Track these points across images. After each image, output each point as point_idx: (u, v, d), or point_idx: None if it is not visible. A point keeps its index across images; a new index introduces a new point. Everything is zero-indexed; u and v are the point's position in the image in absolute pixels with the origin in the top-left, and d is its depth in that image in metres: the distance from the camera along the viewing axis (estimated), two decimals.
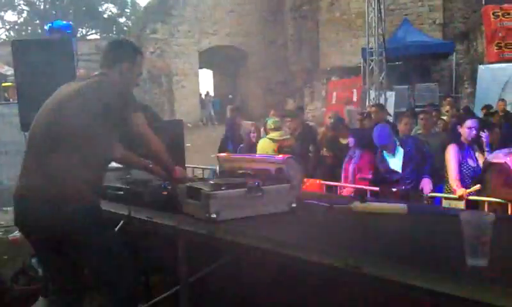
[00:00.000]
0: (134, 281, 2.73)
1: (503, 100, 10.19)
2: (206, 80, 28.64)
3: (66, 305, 2.71)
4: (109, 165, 2.84)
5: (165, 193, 2.99)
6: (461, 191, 4.39)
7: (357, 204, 2.82)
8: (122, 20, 34.92)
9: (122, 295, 2.64)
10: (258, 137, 6.47)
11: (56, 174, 2.48)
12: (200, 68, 24.89)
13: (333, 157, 6.40)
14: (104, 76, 2.77)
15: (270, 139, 6.34)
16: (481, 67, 12.91)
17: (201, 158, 7.84)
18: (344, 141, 6.43)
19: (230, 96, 25.90)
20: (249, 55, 24.82)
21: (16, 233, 6.92)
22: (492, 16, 13.83)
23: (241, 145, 6.64)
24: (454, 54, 16.53)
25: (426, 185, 4.85)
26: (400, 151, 5.20)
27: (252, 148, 6.40)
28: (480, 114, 9.71)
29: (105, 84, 2.69)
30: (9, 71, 15.95)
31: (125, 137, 2.81)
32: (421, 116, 6.80)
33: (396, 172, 5.12)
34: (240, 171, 3.15)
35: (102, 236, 2.57)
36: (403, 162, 5.11)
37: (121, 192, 3.21)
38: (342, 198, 3.24)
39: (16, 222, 2.64)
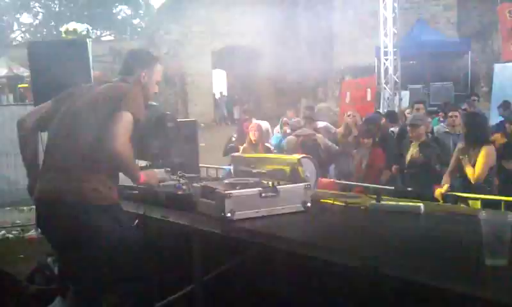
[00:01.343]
0: (152, 278, 2.75)
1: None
2: (219, 81, 28.70)
3: (87, 305, 2.74)
4: None
5: (180, 192, 2.99)
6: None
7: (373, 203, 2.80)
8: (136, 21, 35.10)
9: (141, 292, 2.66)
10: (260, 138, 6.42)
11: (74, 176, 2.54)
12: (213, 68, 24.93)
13: None
14: (122, 81, 2.81)
15: (296, 135, 6.43)
16: (497, 66, 12.73)
17: (215, 158, 7.84)
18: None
19: (236, 96, 25.90)
20: (262, 55, 24.79)
21: (33, 232, 7.00)
22: (508, 14, 13.64)
23: (244, 145, 6.54)
24: (470, 52, 16.34)
25: None
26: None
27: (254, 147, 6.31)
28: (497, 113, 9.62)
29: (118, 87, 2.72)
30: (25, 72, 16.15)
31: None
32: (450, 113, 6.67)
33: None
34: (255, 171, 3.14)
35: (121, 234, 2.60)
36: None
37: (136, 192, 3.22)
38: (358, 197, 3.22)
39: (38, 224, 2.71)
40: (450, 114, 6.69)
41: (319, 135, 6.43)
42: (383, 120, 7.64)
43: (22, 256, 6.13)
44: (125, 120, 2.53)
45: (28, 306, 3.88)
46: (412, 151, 5.48)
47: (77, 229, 2.52)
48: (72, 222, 2.51)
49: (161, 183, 3.11)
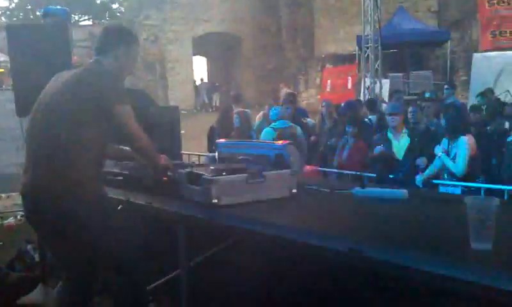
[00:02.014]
0: (144, 265, 2.74)
1: None
2: (200, 67, 28.52)
3: (77, 294, 2.72)
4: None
5: (165, 178, 2.97)
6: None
7: (358, 190, 2.83)
8: (115, 6, 34.55)
9: (134, 280, 2.65)
10: (246, 125, 6.38)
11: (58, 168, 2.50)
12: (194, 54, 24.75)
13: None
14: (97, 64, 2.73)
15: (272, 128, 6.32)
16: (476, 55, 12.87)
17: (196, 145, 7.82)
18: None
19: (217, 84, 25.79)
20: (243, 42, 24.70)
21: (11, 219, 6.91)
22: (487, 4, 13.80)
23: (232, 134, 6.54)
24: (449, 41, 16.51)
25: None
26: (406, 139, 5.24)
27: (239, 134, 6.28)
28: (475, 101, 9.72)
29: (94, 75, 2.65)
30: (1, 57, 15.80)
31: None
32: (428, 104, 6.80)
33: (395, 158, 5.17)
34: (240, 157, 3.14)
35: (109, 223, 2.58)
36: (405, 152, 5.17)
37: (121, 178, 3.20)
38: (343, 184, 3.24)
39: (25, 218, 2.71)
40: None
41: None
42: (363, 108, 7.71)
43: (1, 243, 6.05)
44: (126, 111, 2.58)
45: (10, 293, 3.84)
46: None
47: (64, 221, 2.49)
48: (58, 215, 2.48)
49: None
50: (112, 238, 2.57)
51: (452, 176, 4.78)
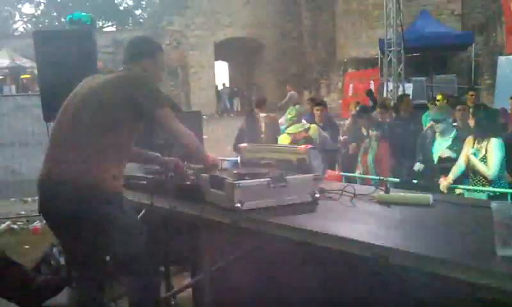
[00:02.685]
0: (155, 270, 2.76)
1: None
2: (222, 72, 28.67)
3: (88, 293, 2.74)
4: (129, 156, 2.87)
5: (188, 183, 3.00)
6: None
7: (381, 194, 2.80)
8: (138, 12, 35.01)
9: (143, 283, 2.66)
10: (273, 130, 6.38)
11: (78, 162, 2.53)
12: (216, 59, 24.90)
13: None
14: (129, 70, 2.81)
15: (287, 133, 6.30)
16: (501, 58, 12.67)
17: (218, 150, 7.85)
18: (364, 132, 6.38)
19: (235, 88, 25.87)
20: (265, 47, 24.75)
21: (38, 223, 7.03)
22: None
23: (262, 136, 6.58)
24: (473, 45, 16.29)
25: None
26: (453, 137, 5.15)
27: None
28: (500, 105, 9.55)
29: (133, 78, 2.72)
30: (27, 63, 16.15)
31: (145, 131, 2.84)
32: (458, 107, 6.50)
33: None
34: (263, 162, 3.15)
35: (123, 224, 2.60)
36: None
37: (144, 182, 3.23)
38: (366, 188, 3.22)
39: (39, 209, 2.69)
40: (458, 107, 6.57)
41: (312, 126, 6.22)
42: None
43: (27, 246, 6.16)
44: (168, 113, 2.69)
45: (35, 296, 3.90)
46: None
47: (77, 215, 2.50)
48: (71, 209, 2.49)
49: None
50: (126, 238, 2.59)
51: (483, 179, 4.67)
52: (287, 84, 18.00)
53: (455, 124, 6.57)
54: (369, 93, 9.00)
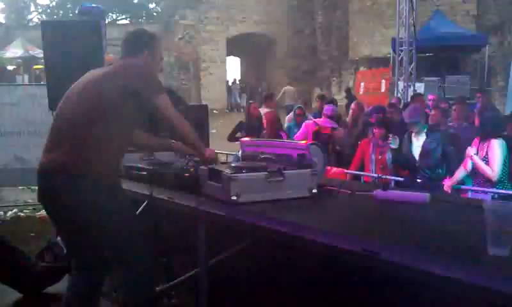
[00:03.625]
0: (152, 261, 2.77)
1: None
2: (233, 68, 28.69)
3: (87, 283, 2.76)
4: (129, 147, 2.89)
5: (187, 175, 3.01)
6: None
7: (379, 192, 2.80)
8: (152, 5, 35.10)
9: (139, 274, 2.68)
10: (272, 126, 6.41)
11: (76, 152, 2.54)
12: (228, 55, 24.93)
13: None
14: (127, 60, 2.82)
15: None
16: None
17: (227, 144, 7.86)
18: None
19: (243, 84, 25.85)
20: (277, 44, 24.74)
21: (44, 211, 7.08)
22: None
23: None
24: (487, 46, 16.11)
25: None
26: (423, 139, 5.17)
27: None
28: None
29: (130, 67, 2.73)
30: (40, 54, 16.28)
31: (149, 120, 2.85)
32: (454, 106, 6.60)
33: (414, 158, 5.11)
34: (263, 156, 3.15)
35: (119, 215, 2.62)
36: (420, 153, 5.09)
37: (145, 173, 3.25)
38: (364, 185, 3.21)
39: (38, 197, 2.71)
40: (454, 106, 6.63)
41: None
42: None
43: (33, 234, 6.21)
44: (166, 100, 2.67)
45: (36, 282, 3.95)
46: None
47: (74, 204, 2.52)
48: (67, 198, 2.51)
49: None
50: (121, 228, 2.60)
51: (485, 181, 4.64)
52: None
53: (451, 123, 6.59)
54: (347, 90, 9.05)
